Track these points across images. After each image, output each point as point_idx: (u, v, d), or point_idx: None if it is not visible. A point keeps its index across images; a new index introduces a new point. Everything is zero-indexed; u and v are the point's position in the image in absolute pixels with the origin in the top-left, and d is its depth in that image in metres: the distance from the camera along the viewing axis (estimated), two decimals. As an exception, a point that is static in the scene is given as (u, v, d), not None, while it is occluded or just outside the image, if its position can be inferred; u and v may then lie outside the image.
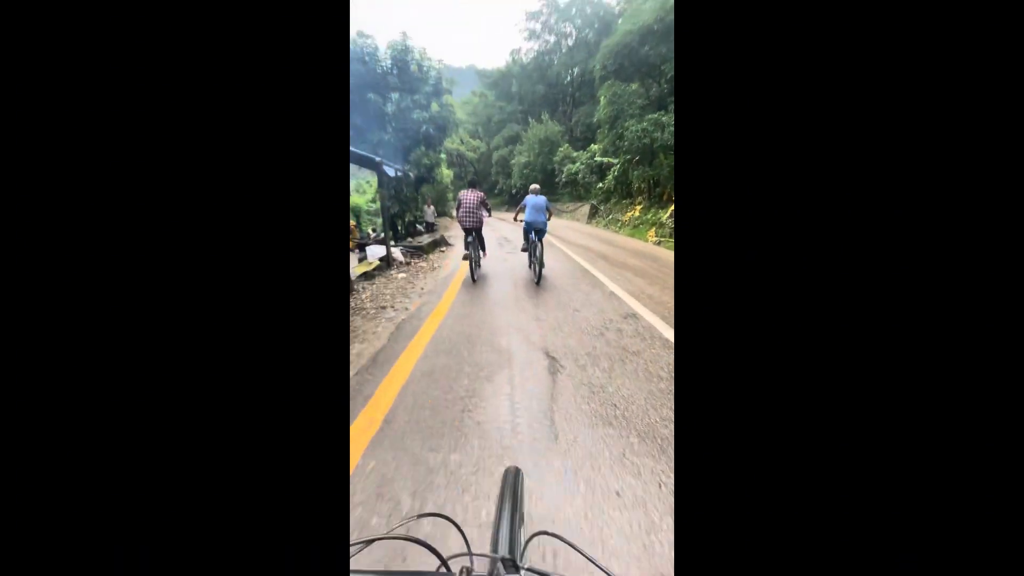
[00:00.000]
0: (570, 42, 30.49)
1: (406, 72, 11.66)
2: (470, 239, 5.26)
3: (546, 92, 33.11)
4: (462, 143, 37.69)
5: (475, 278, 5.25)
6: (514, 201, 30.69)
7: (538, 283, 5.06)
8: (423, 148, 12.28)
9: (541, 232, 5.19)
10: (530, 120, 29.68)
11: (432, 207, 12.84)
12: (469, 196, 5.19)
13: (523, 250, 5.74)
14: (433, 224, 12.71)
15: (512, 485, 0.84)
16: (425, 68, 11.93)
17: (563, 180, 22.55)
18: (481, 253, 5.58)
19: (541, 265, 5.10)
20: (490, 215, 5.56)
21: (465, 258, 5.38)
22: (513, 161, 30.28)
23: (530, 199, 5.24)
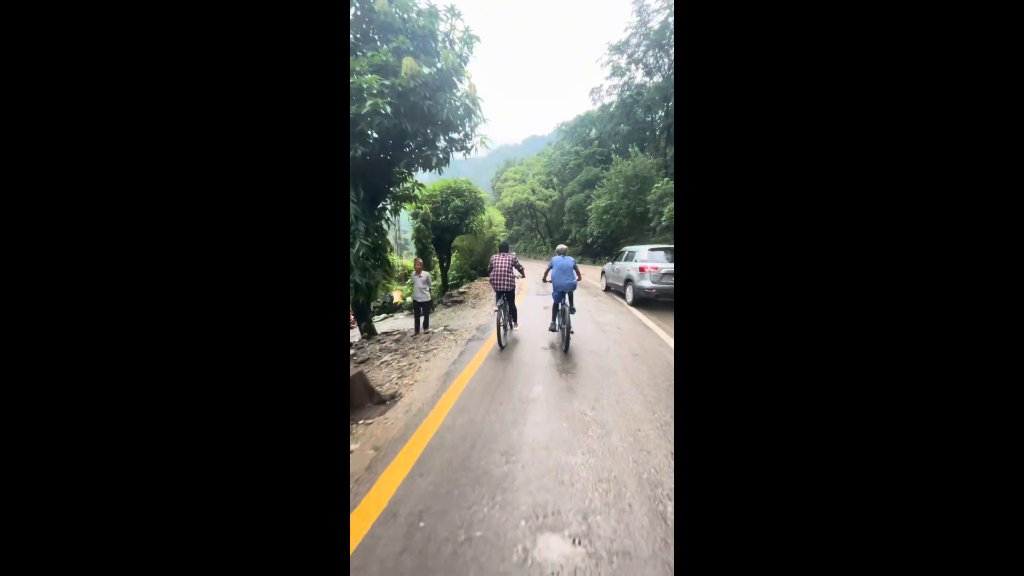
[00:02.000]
0: (660, 76, 25.75)
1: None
2: (500, 302, 5.23)
3: (631, 131, 28.85)
4: (533, 192, 34.24)
5: (503, 344, 5.06)
6: (588, 252, 25.73)
7: (566, 351, 4.66)
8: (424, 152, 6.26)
9: (569, 295, 5.02)
10: (614, 157, 24.87)
11: (424, 273, 6.72)
12: (501, 260, 5.27)
13: (551, 329, 5.28)
14: (428, 303, 6.95)
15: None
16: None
17: (662, 224, 16.58)
18: (512, 324, 5.58)
19: (570, 331, 4.78)
20: (523, 276, 5.52)
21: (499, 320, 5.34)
22: (590, 207, 26.28)
23: (557, 260, 5.13)
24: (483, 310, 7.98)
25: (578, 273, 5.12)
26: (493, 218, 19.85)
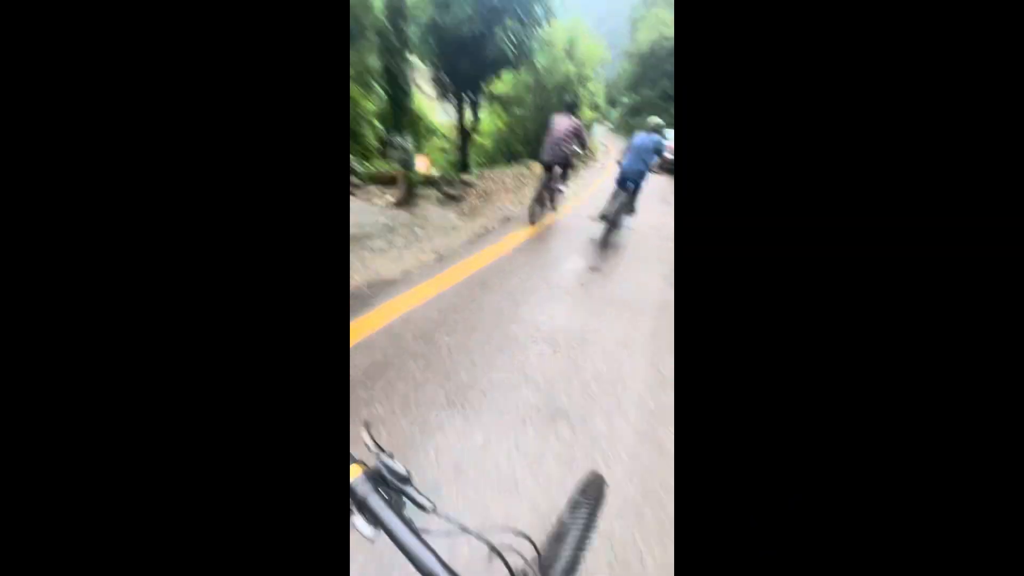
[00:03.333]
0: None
1: None
2: (547, 179, 4.30)
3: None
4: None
5: (534, 220, 4.33)
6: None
7: (604, 245, 3.97)
8: None
9: (636, 184, 4.04)
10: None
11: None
12: (560, 123, 4.18)
13: (601, 217, 4.08)
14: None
15: (592, 499, 0.79)
16: None
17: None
18: (560, 188, 4.63)
19: (613, 224, 4.01)
20: (582, 150, 4.41)
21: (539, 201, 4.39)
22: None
23: (638, 138, 4.01)
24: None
25: (660, 158, 4.04)
26: (581, 49, 9.11)
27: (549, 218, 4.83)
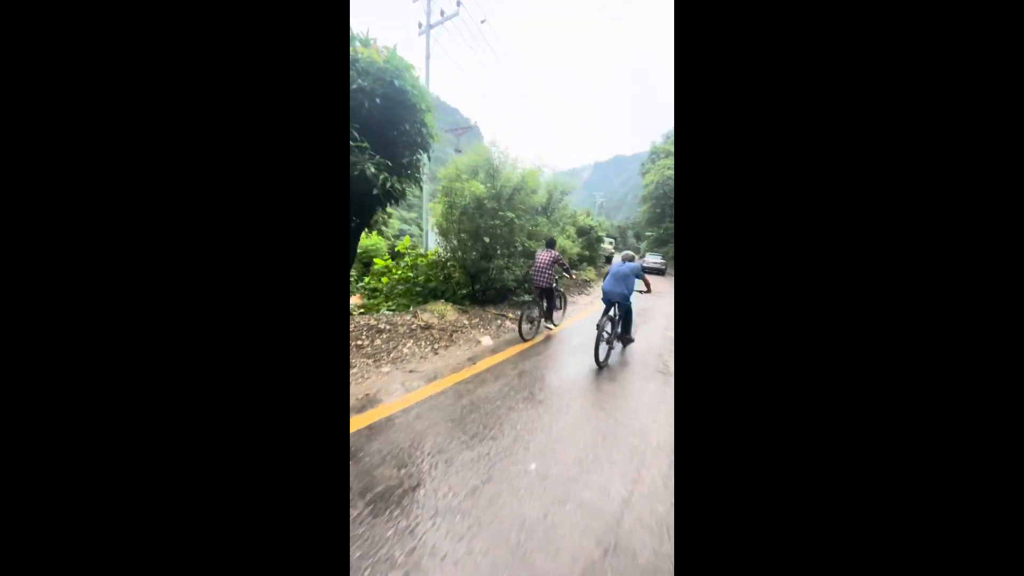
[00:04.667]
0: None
1: None
2: (531, 305, 5.14)
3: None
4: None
5: (525, 337, 4.94)
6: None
7: (600, 367, 4.10)
8: None
9: (622, 307, 4.49)
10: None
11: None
12: (542, 256, 5.18)
13: (596, 358, 4.15)
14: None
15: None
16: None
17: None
18: (550, 322, 5.47)
19: (610, 344, 4.33)
20: (570, 276, 5.47)
21: (528, 320, 5.04)
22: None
23: (615, 266, 4.49)
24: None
25: (646, 283, 4.50)
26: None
27: (548, 333, 5.57)
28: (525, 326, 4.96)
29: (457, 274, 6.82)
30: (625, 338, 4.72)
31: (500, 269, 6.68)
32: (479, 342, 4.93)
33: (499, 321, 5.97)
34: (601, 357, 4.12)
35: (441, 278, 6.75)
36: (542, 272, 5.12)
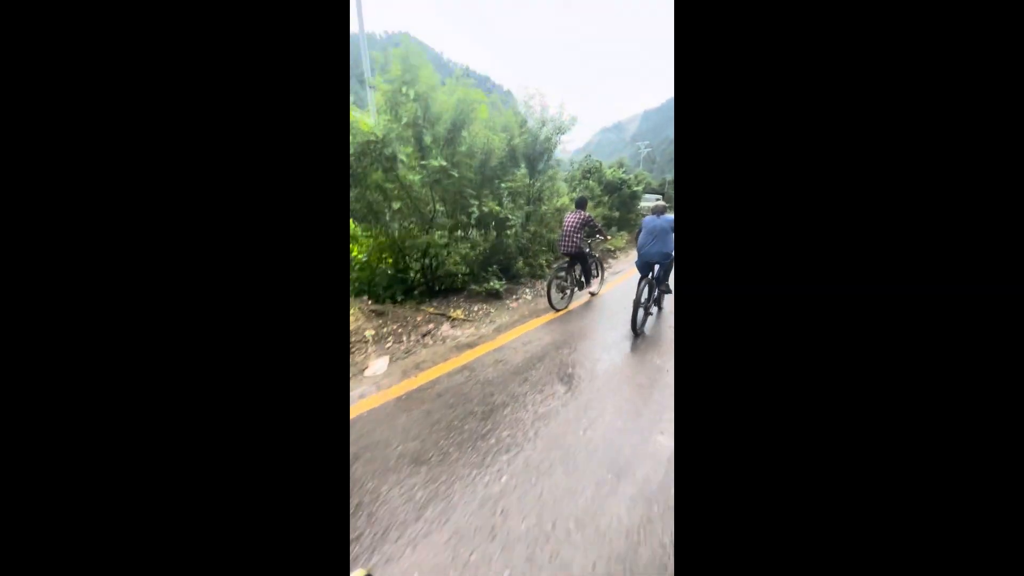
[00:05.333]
0: None
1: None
2: (562, 271, 4.65)
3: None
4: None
5: (556, 306, 4.50)
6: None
7: (637, 334, 3.77)
8: None
9: (662, 267, 3.96)
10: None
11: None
12: (570, 219, 4.60)
13: (633, 328, 3.78)
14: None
15: None
16: None
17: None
18: (583, 285, 4.98)
19: (647, 312, 3.89)
20: (603, 239, 4.87)
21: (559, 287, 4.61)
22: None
23: (648, 220, 3.94)
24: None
25: None
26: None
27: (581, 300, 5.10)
28: (556, 295, 4.56)
29: (391, 259, 4.82)
30: (663, 288, 4.26)
31: (439, 248, 4.55)
32: (364, 368, 3.03)
33: (431, 325, 3.98)
34: (637, 325, 3.76)
35: (362, 263, 4.72)
36: (571, 236, 4.51)
